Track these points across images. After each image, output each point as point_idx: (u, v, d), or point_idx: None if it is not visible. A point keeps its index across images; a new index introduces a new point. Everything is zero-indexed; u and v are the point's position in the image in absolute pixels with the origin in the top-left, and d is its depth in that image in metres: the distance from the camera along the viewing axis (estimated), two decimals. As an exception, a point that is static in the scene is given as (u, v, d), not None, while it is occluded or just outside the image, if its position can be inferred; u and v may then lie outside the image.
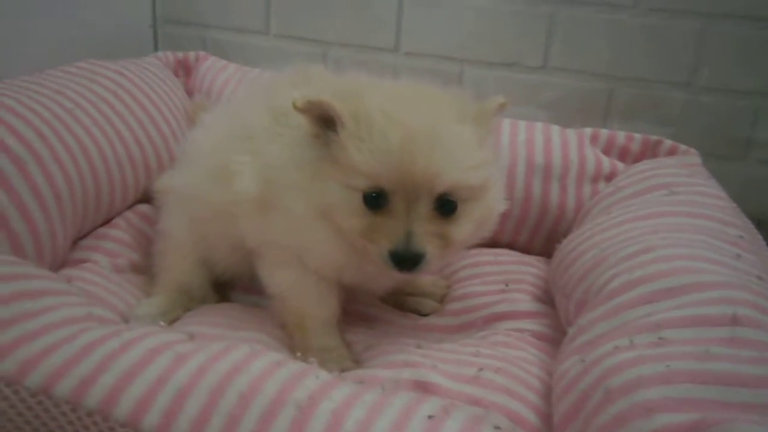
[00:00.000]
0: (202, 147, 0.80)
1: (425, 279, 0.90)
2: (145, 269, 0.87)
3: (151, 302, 0.77)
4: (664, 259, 0.62)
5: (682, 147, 0.96)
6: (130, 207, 0.95)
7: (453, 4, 1.09)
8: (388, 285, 0.80)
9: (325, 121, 0.65)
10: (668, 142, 0.97)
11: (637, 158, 0.99)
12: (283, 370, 0.50)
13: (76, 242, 0.87)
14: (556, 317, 0.78)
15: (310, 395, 0.47)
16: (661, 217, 0.73)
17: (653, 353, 0.51)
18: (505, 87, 1.11)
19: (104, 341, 0.51)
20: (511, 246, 0.99)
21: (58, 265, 0.81)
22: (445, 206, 0.65)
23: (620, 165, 0.98)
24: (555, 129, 1.00)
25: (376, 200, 0.64)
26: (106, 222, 0.91)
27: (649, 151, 0.98)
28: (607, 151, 0.99)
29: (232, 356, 0.51)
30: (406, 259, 0.63)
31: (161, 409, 0.47)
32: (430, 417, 0.46)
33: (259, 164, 0.70)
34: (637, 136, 0.99)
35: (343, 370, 0.67)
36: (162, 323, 0.71)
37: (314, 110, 0.64)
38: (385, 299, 0.88)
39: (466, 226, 0.67)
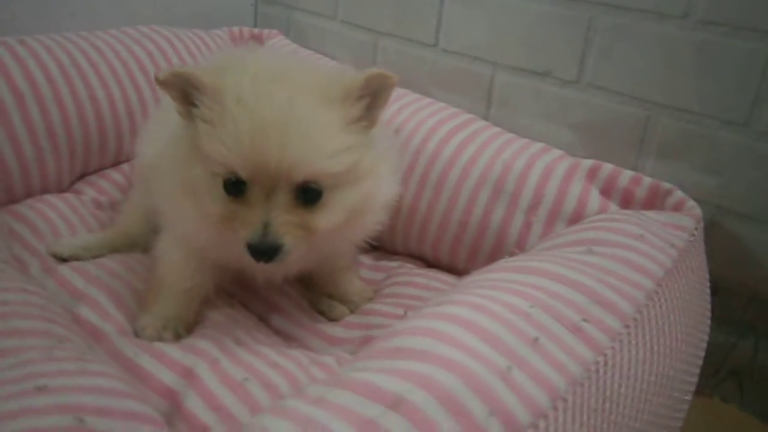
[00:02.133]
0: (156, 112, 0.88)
1: (355, 285, 0.85)
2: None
3: (73, 239, 0.86)
4: (437, 316, 0.50)
5: (689, 204, 0.74)
6: (143, 156, 1.08)
7: (490, 3, 0.97)
8: (278, 273, 0.78)
9: (189, 100, 0.64)
10: (678, 195, 0.75)
11: (644, 205, 0.78)
12: None
13: (84, 176, 1.02)
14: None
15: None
16: (528, 274, 0.58)
17: (291, 406, 0.43)
18: (535, 99, 0.96)
19: None
20: (465, 272, 0.87)
21: (53, 190, 0.96)
22: (308, 194, 0.62)
23: (614, 208, 0.79)
24: (549, 155, 0.85)
25: (234, 187, 0.62)
26: (116, 164, 1.05)
27: (658, 201, 0.77)
28: (606, 191, 0.80)
29: None
30: (263, 251, 0.61)
31: None
32: (36, 387, 0.46)
33: (158, 134, 0.74)
34: (646, 180, 0.78)
35: (156, 340, 0.69)
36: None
37: (176, 83, 0.64)
38: (305, 294, 0.85)
39: (332, 215, 0.64)
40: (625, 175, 0.80)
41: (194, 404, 0.59)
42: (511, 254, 0.72)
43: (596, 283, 0.56)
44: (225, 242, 0.66)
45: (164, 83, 0.64)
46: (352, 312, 0.82)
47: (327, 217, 0.64)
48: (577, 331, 0.51)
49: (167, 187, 0.70)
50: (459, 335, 0.47)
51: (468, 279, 0.62)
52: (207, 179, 0.63)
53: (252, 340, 0.70)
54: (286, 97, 0.61)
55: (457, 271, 0.87)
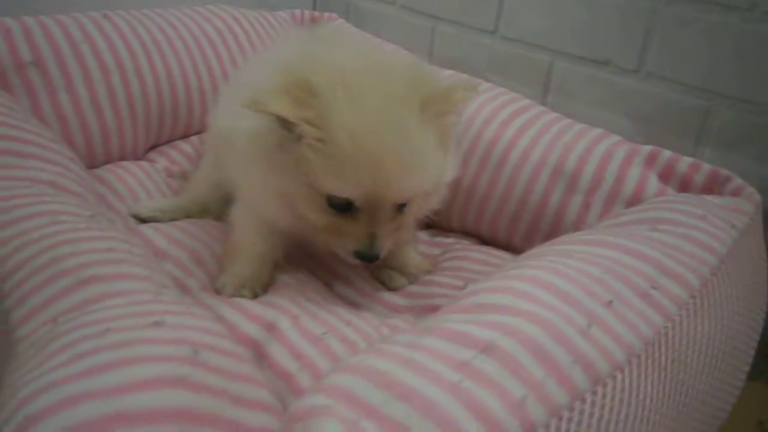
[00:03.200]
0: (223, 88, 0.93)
1: (413, 258, 0.89)
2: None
3: (152, 202, 0.92)
4: (515, 278, 0.54)
5: (749, 190, 0.76)
6: (210, 130, 1.13)
7: (552, -11, 1.00)
8: None
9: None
10: (737, 182, 0.78)
11: (702, 191, 0.81)
12: (98, 255, 0.59)
13: (155, 147, 1.08)
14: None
15: (95, 274, 0.56)
16: (596, 246, 0.61)
17: (384, 349, 0.47)
18: (594, 87, 0.99)
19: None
20: (521, 250, 0.90)
21: (129, 158, 1.02)
22: (402, 206, 0.68)
23: (672, 193, 0.81)
24: (608, 140, 0.87)
25: (341, 206, 0.66)
26: (185, 137, 1.10)
27: (717, 187, 0.80)
28: (663, 176, 0.83)
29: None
30: (369, 258, 0.68)
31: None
32: (154, 322, 0.51)
33: (230, 107, 0.79)
34: (705, 166, 0.81)
35: (236, 296, 0.74)
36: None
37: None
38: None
39: (416, 213, 0.73)
40: (684, 162, 0.82)
41: (278, 353, 0.63)
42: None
43: (663, 256, 0.59)
44: (298, 221, 0.71)
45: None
46: (410, 283, 0.86)
47: (412, 215, 0.71)
48: (647, 297, 0.54)
49: (246, 168, 0.73)
50: (538, 294, 0.51)
51: (537, 249, 0.65)
52: (306, 193, 0.65)
53: (324, 301, 0.75)
54: (393, 127, 0.62)
55: (513, 248, 0.91)
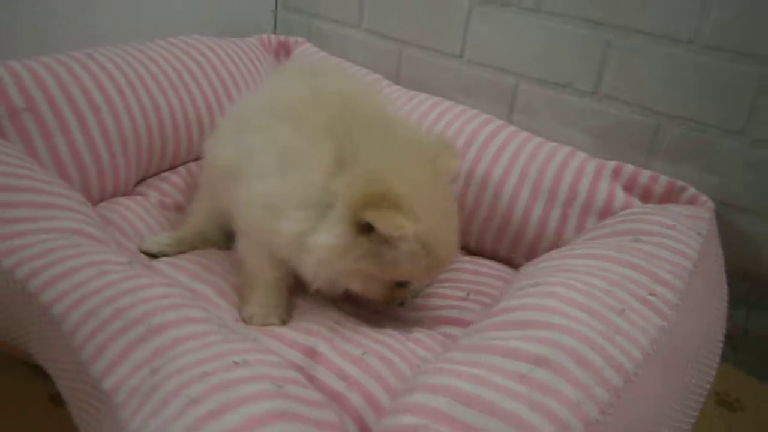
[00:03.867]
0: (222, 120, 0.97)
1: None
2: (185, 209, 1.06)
3: (159, 237, 0.94)
4: (541, 295, 0.64)
5: (702, 198, 0.89)
6: (195, 159, 1.16)
7: (516, 20, 1.10)
8: None
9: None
10: (691, 191, 0.91)
11: (661, 200, 0.94)
12: (157, 302, 0.63)
13: (143, 179, 1.10)
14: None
15: (163, 321, 0.60)
16: (594, 259, 0.72)
17: (451, 368, 0.55)
18: (556, 107, 1.10)
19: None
20: (507, 261, 1.00)
21: (121, 193, 1.03)
22: None
23: (637, 203, 0.93)
24: (578, 157, 0.99)
25: (403, 283, 0.79)
26: (172, 168, 1.13)
27: (674, 196, 0.93)
28: (628, 188, 0.95)
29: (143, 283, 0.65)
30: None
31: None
32: (234, 362, 0.56)
33: (233, 138, 0.84)
34: (663, 178, 0.93)
35: (265, 324, 0.79)
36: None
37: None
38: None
39: None
40: (645, 174, 0.94)
41: (323, 375, 0.69)
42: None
43: (650, 265, 0.70)
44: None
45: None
46: (414, 297, 0.94)
47: None
48: (647, 303, 0.65)
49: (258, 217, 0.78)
50: (564, 309, 0.60)
51: (540, 265, 0.75)
52: (377, 278, 0.76)
53: (348, 322, 0.81)
54: (455, 226, 0.78)
55: (499, 258, 1.01)
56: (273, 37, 1.36)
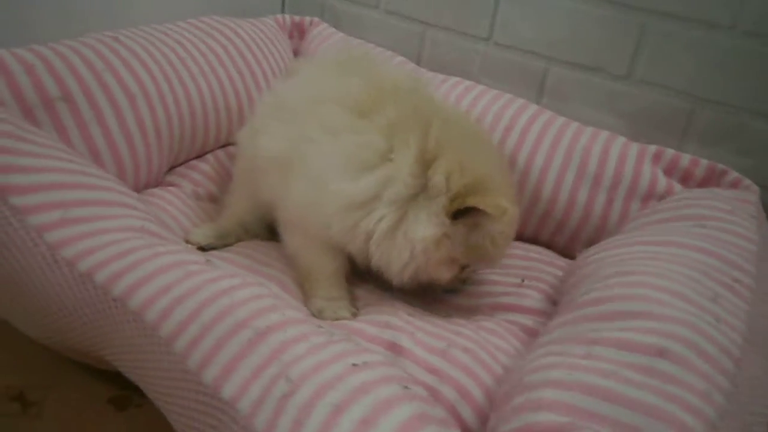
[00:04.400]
0: (257, 109, 0.93)
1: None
2: (219, 200, 1.03)
3: (204, 229, 0.92)
4: (634, 284, 0.65)
5: (746, 182, 0.92)
6: (222, 146, 1.12)
7: (546, 3, 1.10)
8: None
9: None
10: (733, 174, 0.94)
11: (701, 184, 0.96)
12: (254, 303, 0.61)
13: (172, 168, 1.05)
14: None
15: (270, 324, 0.59)
16: (669, 246, 0.73)
17: (572, 362, 0.56)
18: (587, 91, 1.11)
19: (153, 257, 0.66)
20: (548, 245, 1.02)
21: (153, 184, 0.99)
22: None
23: (678, 187, 0.96)
24: (619, 141, 1.00)
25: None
26: (200, 156, 1.09)
27: (714, 180, 0.95)
28: (668, 172, 0.97)
29: (243, 293, 0.63)
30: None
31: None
32: (354, 365, 0.56)
33: (281, 129, 0.81)
34: (703, 161, 0.96)
35: (337, 318, 0.78)
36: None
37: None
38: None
39: None
40: (685, 158, 0.97)
41: (412, 370, 0.69)
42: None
43: (724, 251, 0.72)
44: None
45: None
46: (464, 284, 0.95)
47: None
48: (731, 289, 0.67)
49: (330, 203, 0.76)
50: (661, 297, 0.62)
51: (611, 252, 0.77)
52: (453, 262, 0.77)
53: (417, 313, 0.81)
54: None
55: (540, 242, 1.02)
56: (287, 17, 1.32)
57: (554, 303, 0.86)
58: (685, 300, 0.62)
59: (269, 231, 0.98)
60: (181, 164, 1.06)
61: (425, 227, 0.72)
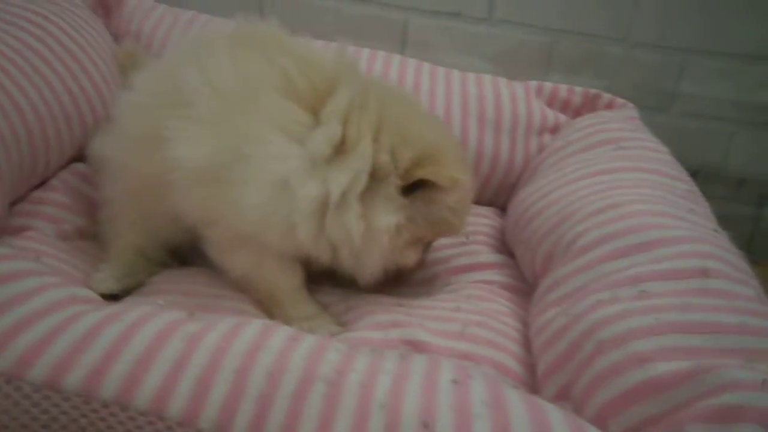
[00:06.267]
0: (129, 112, 0.74)
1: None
2: (93, 235, 0.81)
3: (105, 272, 0.72)
4: (631, 215, 0.67)
5: (619, 101, 1.02)
6: (65, 166, 0.87)
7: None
8: None
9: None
10: (607, 96, 1.03)
11: (578, 111, 1.04)
12: (303, 345, 0.50)
13: (11, 207, 0.79)
14: (517, 267, 0.83)
15: (336, 369, 0.48)
16: (617, 173, 0.78)
17: (638, 306, 0.56)
18: (449, 37, 1.11)
19: (105, 326, 0.48)
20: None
21: (-2, 234, 0.74)
22: None
23: (563, 117, 1.02)
24: (503, 82, 1.03)
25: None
26: (41, 184, 0.83)
27: (589, 104, 1.04)
28: (550, 104, 1.03)
29: (247, 333, 0.50)
30: None
31: (185, 394, 0.45)
32: (454, 381, 0.48)
33: (204, 131, 0.65)
34: (578, 89, 1.04)
35: (331, 335, 0.68)
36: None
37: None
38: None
39: None
40: (563, 88, 1.03)
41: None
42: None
43: (663, 167, 0.78)
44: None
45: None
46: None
47: None
48: (694, 201, 0.73)
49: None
50: (661, 222, 0.65)
51: (568, 190, 0.78)
52: (417, 241, 0.72)
53: (408, 302, 0.74)
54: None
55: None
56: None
57: (502, 253, 0.86)
58: (679, 219, 0.66)
59: (172, 257, 0.81)
60: (21, 200, 0.80)
61: (384, 214, 0.65)
